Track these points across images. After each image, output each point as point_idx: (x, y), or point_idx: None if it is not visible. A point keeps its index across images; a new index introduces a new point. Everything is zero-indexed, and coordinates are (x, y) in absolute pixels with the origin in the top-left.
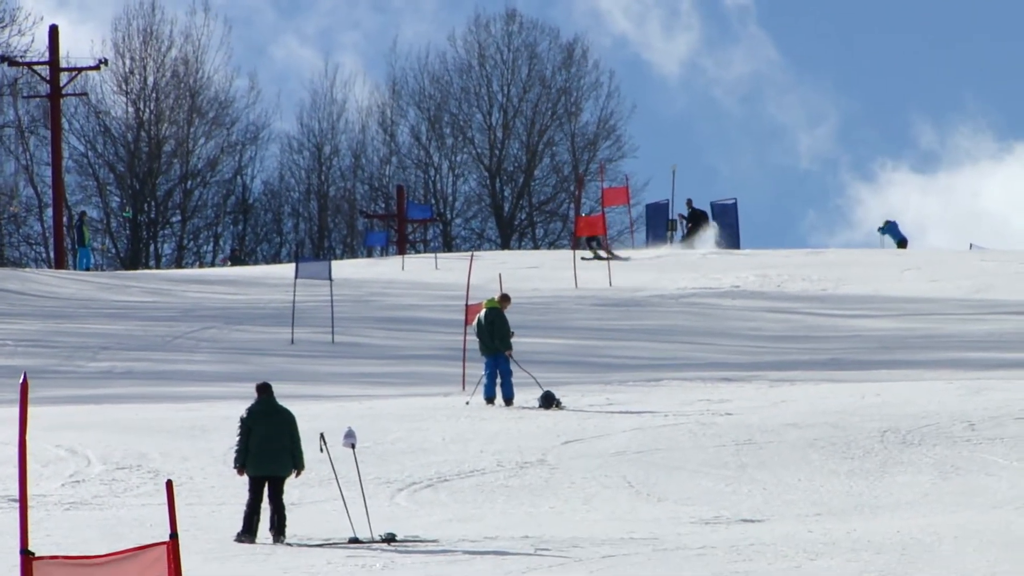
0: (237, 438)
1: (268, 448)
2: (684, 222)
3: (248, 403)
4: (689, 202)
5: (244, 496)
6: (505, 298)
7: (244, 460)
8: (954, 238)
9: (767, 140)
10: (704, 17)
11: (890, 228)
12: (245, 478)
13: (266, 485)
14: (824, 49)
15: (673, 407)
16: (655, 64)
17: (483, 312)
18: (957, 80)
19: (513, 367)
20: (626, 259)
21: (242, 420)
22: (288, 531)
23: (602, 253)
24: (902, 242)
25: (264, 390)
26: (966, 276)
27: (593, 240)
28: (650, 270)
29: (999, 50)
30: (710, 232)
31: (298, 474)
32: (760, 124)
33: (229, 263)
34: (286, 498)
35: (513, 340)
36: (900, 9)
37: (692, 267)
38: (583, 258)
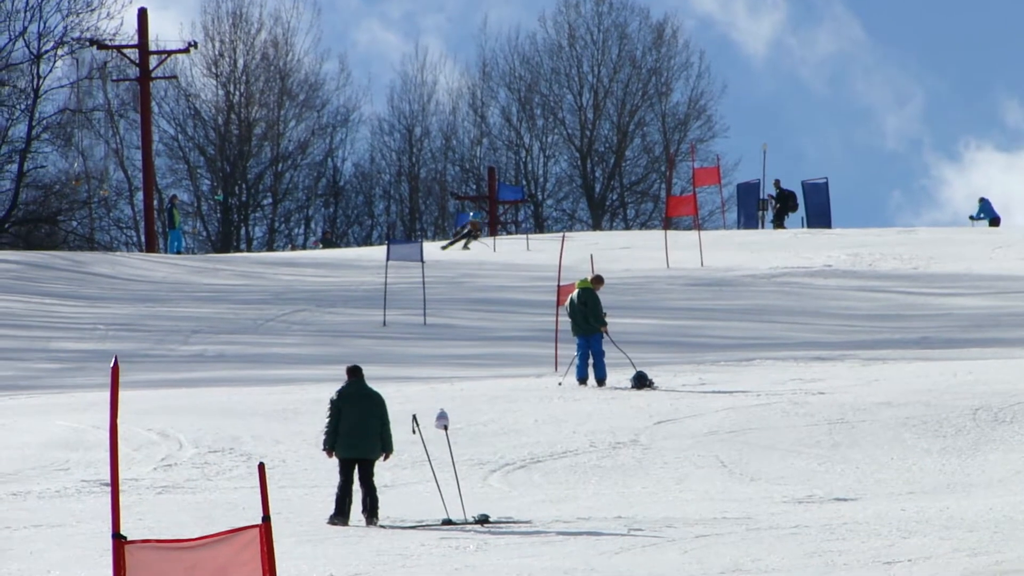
0: (327, 420)
1: (357, 431)
2: (773, 202)
3: (339, 385)
4: (777, 183)
5: (336, 479)
6: (598, 279)
7: (334, 442)
8: None
9: (853, 120)
10: None
11: (984, 206)
12: (335, 460)
13: (356, 468)
14: (909, 27)
15: (765, 386)
16: (741, 44)
17: (576, 292)
18: None
19: (607, 346)
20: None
21: (332, 402)
22: (381, 513)
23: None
24: (994, 220)
25: (354, 372)
26: None
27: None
28: (741, 249)
29: None
30: (798, 213)
31: (387, 457)
32: (846, 104)
33: (321, 245)
34: (378, 480)
35: (606, 319)
36: None
37: (783, 246)
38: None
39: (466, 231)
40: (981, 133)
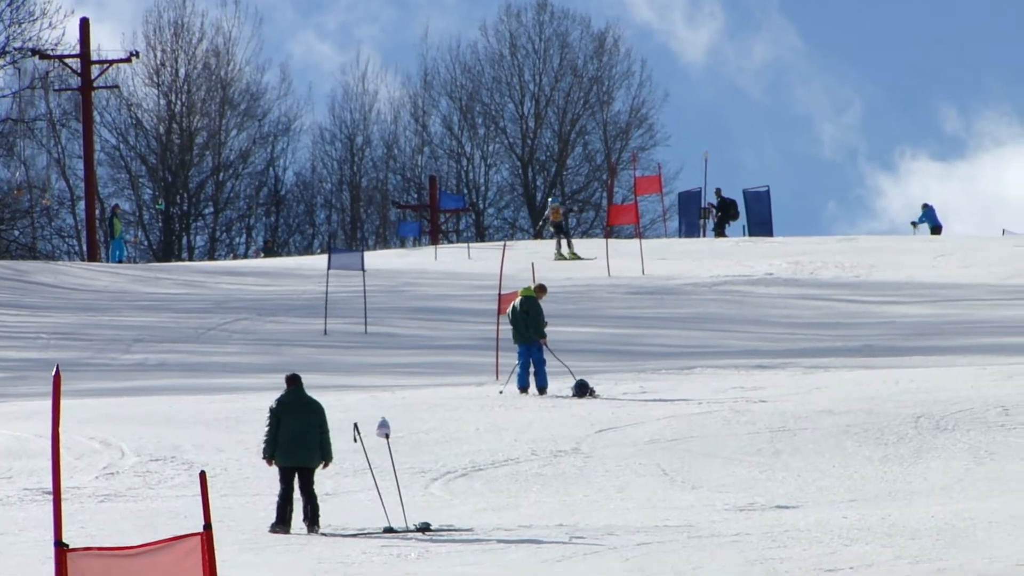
0: (266, 429)
1: (297, 439)
2: (714, 211)
3: (279, 394)
4: (718, 191)
5: (278, 487)
6: (541, 288)
7: (273, 451)
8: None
9: (791, 129)
10: (726, 5)
11: (927, 213)
12: (276, 469)
13: (296, 476)
14: (847, 35)
15: (707, 395)
16: (680, 53)
17: (518, 300)
18: (981, 65)
19: (547, 355)
20: (592, 258)
21: (271, 411)
22: (322, 521)
23: (565, 252)
24: (936, 228)
25: (294, 381)
26: (999, 262)
27: (559, 236)
28: (683, 258)
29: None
30: (739, 221)
31: (326, 465)
32: (784, 112)
33: (262, 255)
34: (320, 488)
35: (547, 329)
36: None
37: (725, 255)
38: (558, 254)
39: (556, 222)
40: (917, 142)
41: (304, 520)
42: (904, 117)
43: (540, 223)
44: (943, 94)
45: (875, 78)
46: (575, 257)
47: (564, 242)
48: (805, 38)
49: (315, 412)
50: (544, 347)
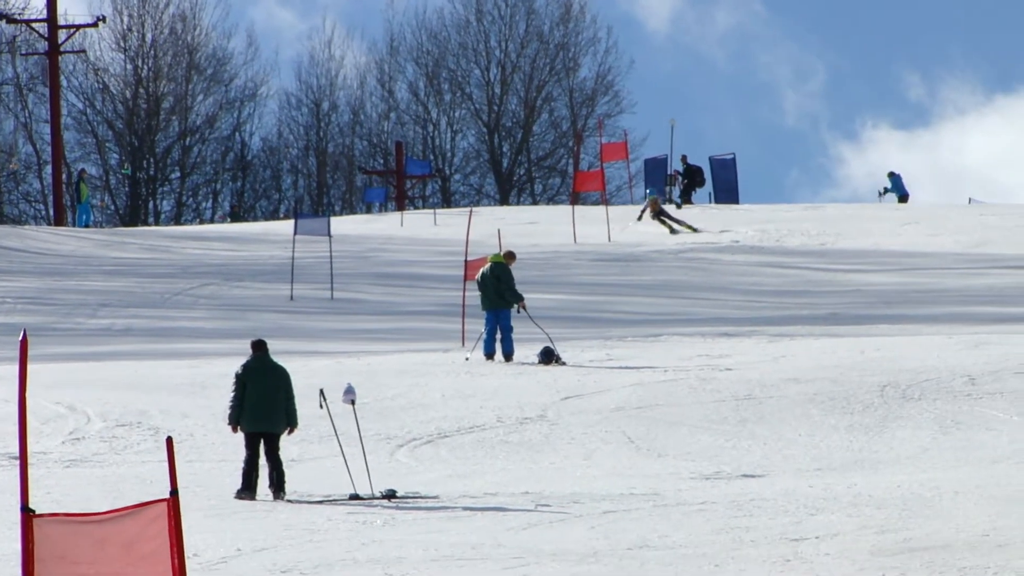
0: (232, 395)
1: (262, 405)
2: (680, 178)
3: (244, 359)
4: (684, 158)
5: (243, 453)
6: (510, 254)
7: (239, 417)
8: (939, 194)
9: (754, 97)
10: None
11: (895, 182)
12: (242, 435)
13: (262, 442)
14: (808, 1)
15: (672, 362)
16: (644, 20)
17: (488, 266)
18: (945, 32)
19: (523, 322)
20: (699, 230)
21: (236, 376)
22: (288, 487)
23: (675, 226)
24: (903, 197)
25: (259, 347)
26: (965, 231)
27: (660, 211)
28: (649, 225)
29: (989, 1)
30: (705, 188)
31: (292, 431)
32: (747, 80)
33: (228, 219)
34: (286, 455)
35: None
36: None
37: (691, 222)
38: (672, 231)
39: (657, 210)
40: (880, 110)
41: (270, 486)
42: (867, 84)
43: (640, 214)
44: (907, 61)
45: (839, 45)
46: (691, 229)
47: (672, 223)
48: (767, 4)
49: (280, 378)
50: (523, 311)
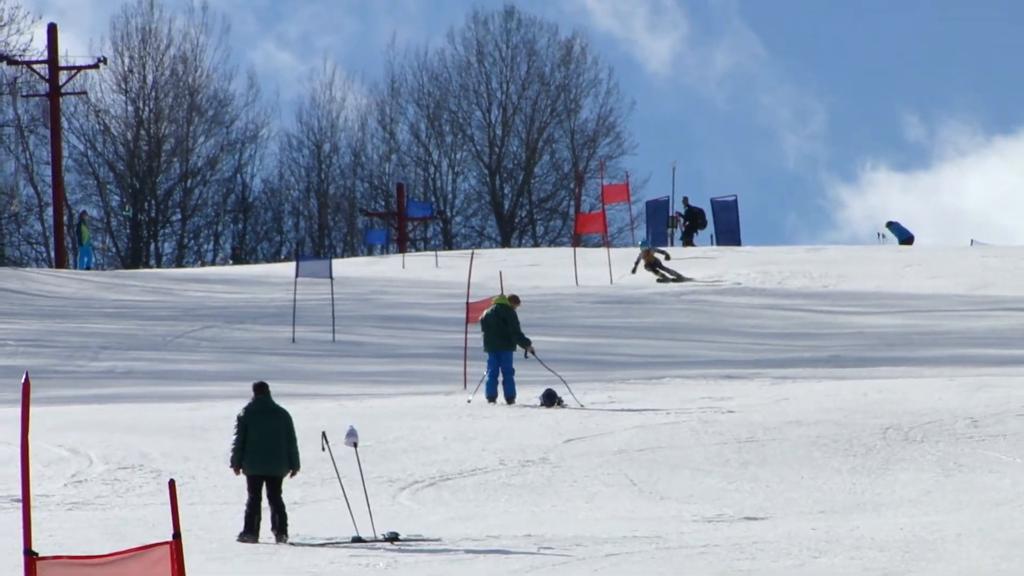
0: (234, 437)
1: (265, 447)
2: (682, 220)
3: (246, 402)
4: (685, 200)
5: (245, 496)
6: (515, 299)
7: (241, 459)
8: (939, 235)
9: (753, 139)
10: (688, 13)
11: (894, 230)
12: (243, 478)
13: (263, 485)
14: (808, 42)
15: (675, 405)
16: (643, 61)
17: (492, 308)
18: (944, 73)
19: (533, 365)
20: (689, 279)
21: (239, 419)
22: (291, 530)
23: (667, 273)
24: (907, 239)
25: (261, 389)
26: (967, 273)
27: (654, 262)
28: (650, 267)
29: (988, 41)
30: (707, 230)
31: (294, 474)
32: (746, 122)
33: (230, 262)
34: (288, 497)
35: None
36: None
37: (693, 264)
38: (663, 279)
39: (651, 261)
40: (879, 152)
41: (272, 529)
42: (867, 126)
43: (634, 266)
44: (906, 102)
45: (838, 86)
46: (677, 277)
47: (665, 272)
48: (767, 45)
49: (282, 420)
50: (532, 355)
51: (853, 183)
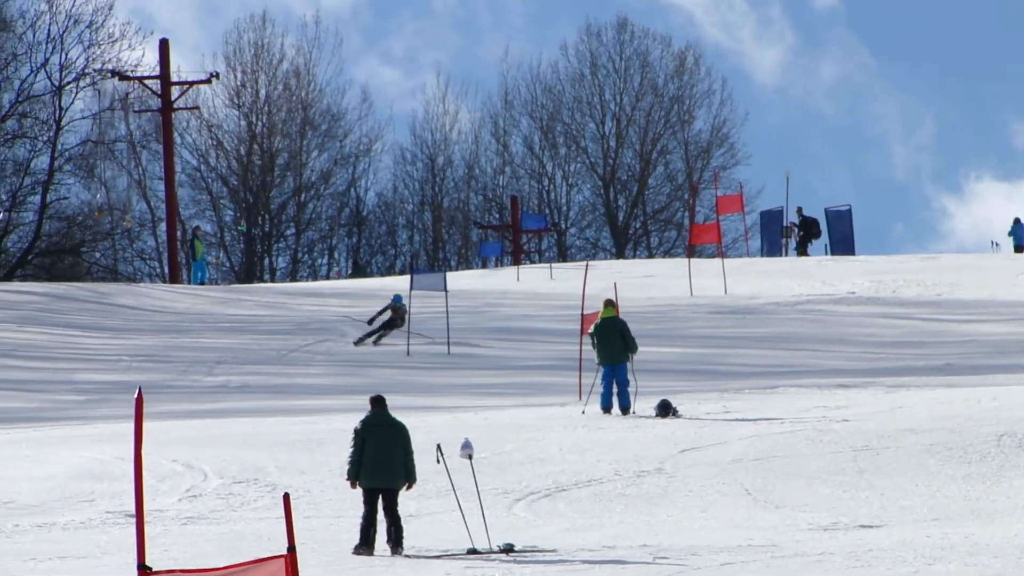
0: (350, 450)
1: (381, 460)
2: (796, 230)
3: (363, 415)
4: (799, 210)
5: (361, 508)
6: (615, 304)
7: (357, 472)
8: None
9: (860, 149)
10: (794, 23)
11: (1017, 228)
12: (359, 491)
13: (380, 497)
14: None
15: (790, 414)
16: (751, 71)
17: (602, 321)
18: None
19: (632, 376)
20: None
21: (355, 432)
22: (406, 543)
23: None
24: (1020, 247)
25: (378, 403)
26: None
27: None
28: (765, 277)
29: None
30: (821, 240)
31: (410, 487)
32: (853, 132)
33: (350, 274)
34: (404, 510)
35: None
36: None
37: (807, 274)
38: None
39: (387, 318)
40: (985, 160)
41: (388, 542)
42: (974, 133)
43: (384, 316)
44: (1017, 109)
45: (947, 93)
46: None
47: (376, 337)
48: (875, 54)
49: (399, 433)
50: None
51: (957, 193)
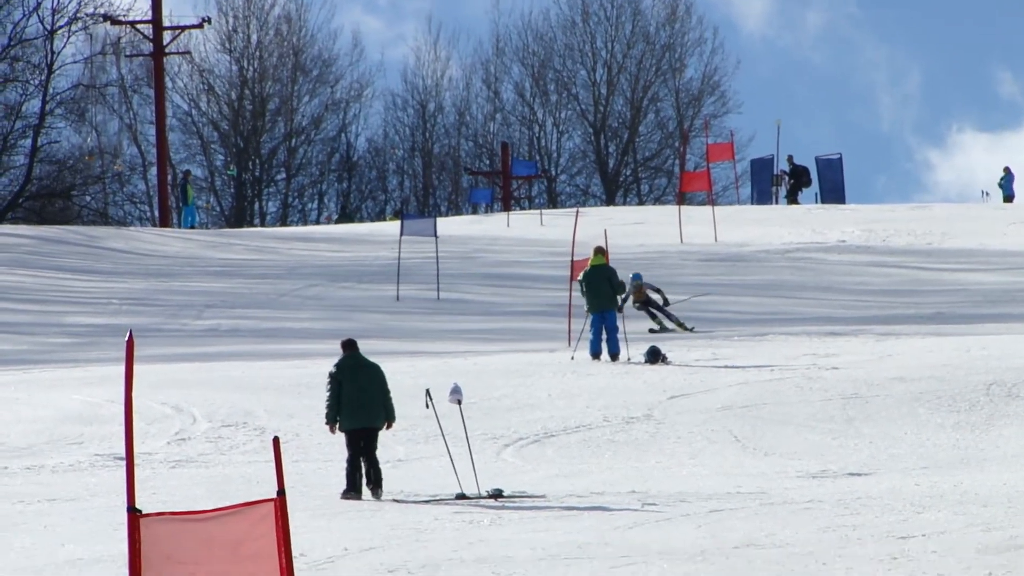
0: (327, 395)
1: (360, 401)
2: (786, 178)
3: (337, 359)
4: (790, 158)
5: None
6: (606, 253)
7: (336, 415)
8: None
9: (847, 100)
10: None
11: (1007, 179)
12: (342, 435)
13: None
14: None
15: (779, 361)
16: (739, 21)
17: (591, 269)
18: None
19: (621, 322)
20: (691, 328)
21: (331, 375)
22: (395, 487)
23: (665, 322)
24: (1008, 197)
25: (350, 346)
26: None
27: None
28: (755, 225)
29: None
30: (811, 188)
31: (389, 426)
32: (842, 83)
33: (334, 220)
34: (392, 454)
35: (619, 296)
36: None
37: (797, 222)
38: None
39: (642, 299)
40: (969, 111)
41: (368, 485)
42: (960, 84)
43: (621, 303)
44: (1001, 59)
45: (933, 44)
46: (681, 327)
47: (661, 316)
48: (860, 3)
49: (376, 373)
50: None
51: (940, 145)
